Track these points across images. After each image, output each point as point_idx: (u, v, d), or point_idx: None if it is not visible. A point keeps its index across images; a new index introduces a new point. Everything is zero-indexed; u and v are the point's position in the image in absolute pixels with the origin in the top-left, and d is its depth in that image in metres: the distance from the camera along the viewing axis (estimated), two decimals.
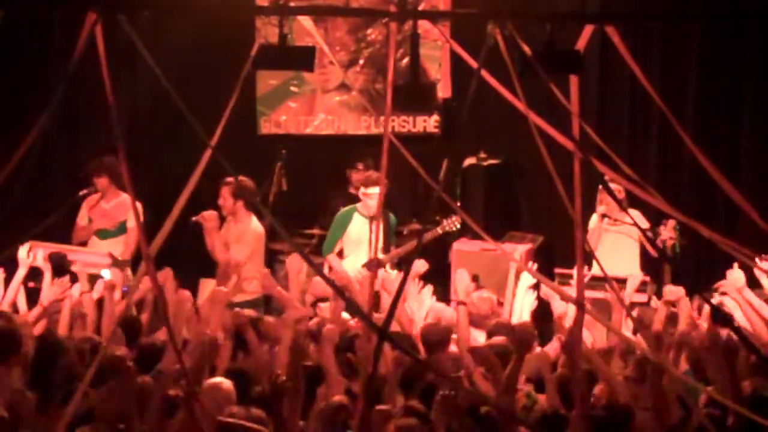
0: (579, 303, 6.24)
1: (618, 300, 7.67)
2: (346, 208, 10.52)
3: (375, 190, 10.04)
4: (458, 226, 10.54)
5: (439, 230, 10.47)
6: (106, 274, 8.69)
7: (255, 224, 10.01)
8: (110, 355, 6.20)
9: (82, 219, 10.29)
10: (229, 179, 9.69)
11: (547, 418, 6.36)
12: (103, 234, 10.16)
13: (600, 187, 9.74)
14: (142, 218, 9.63)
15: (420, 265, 8.63)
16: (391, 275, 8.74)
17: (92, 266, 9.10)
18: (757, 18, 10.21)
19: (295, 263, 8.48)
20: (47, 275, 8.46)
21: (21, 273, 8.46)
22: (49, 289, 8.17)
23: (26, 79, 11.95)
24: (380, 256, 9.67)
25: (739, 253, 6.50)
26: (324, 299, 8.73)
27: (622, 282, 8.66)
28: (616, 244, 10.33)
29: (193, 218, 9.51)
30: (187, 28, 11.63)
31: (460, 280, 7.97)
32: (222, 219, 9.99)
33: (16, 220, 10.34)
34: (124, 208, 10.11)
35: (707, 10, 11.31)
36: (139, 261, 8.93)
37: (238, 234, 9.92)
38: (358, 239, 10.25)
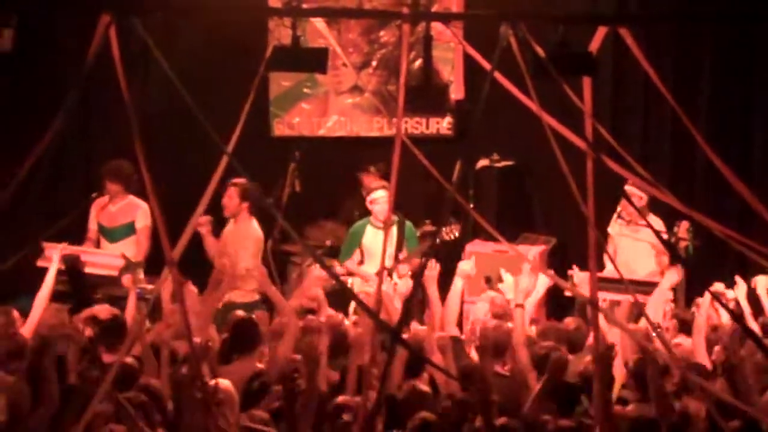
0: (593, 302, 6.26)
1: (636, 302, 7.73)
2: (360, 221, 10.56)
3: (378, 194, 10.10)
4: (456, 234, 10.48)
5: (437, 240, 10.17)
6: None
7: (256, 228, 9.91)
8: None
9: (92, 223, 10.25)
10: (237, 179, 9.62)
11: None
12: (111, 236, 10.04)
13: (623, 197, 9.76)
14: (150, 221, 9.73)
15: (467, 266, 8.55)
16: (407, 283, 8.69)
17: (105, 268, 9.13)
18: None
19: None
20: (52, 269, 8.51)
21: (53, 271, 8.52)
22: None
23: (40, 83, 11.98)
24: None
25: (754, 252, 6.48)
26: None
27: (639, 284, 8.69)
28: (633, 250, 10.32)
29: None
30: (200, 31, 11.62)
31: (522, 282, 7.99)
32: (217, 220, 9.85)
33: (31, 223, 10.41)
34: (130, 210, 10.02)
35: (720, 12, 11.29)
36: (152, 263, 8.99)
37: (241, 237, 9.80)
38: (371, 250, 10.30)
